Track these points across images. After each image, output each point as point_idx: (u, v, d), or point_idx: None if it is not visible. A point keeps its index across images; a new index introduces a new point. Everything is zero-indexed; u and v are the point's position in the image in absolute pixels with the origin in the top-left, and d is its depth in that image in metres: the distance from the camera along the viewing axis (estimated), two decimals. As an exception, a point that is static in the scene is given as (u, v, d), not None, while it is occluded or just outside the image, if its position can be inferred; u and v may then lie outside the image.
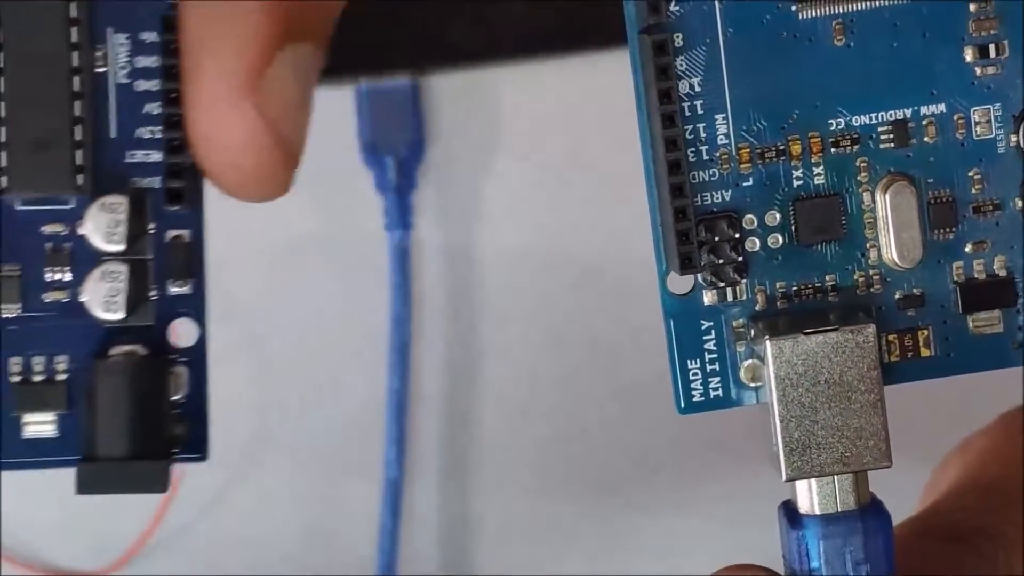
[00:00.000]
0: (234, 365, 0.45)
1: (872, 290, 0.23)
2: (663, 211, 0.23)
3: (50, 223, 0.23)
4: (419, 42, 0.43)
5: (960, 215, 0.23)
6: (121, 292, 0.23)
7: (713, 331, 0.23)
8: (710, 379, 0.24)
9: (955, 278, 0.23)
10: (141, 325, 0.24)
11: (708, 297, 0.23)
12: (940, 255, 0.23)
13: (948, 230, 0.23)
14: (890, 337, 0.23)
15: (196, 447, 0.25)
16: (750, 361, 0.23)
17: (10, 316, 0.23)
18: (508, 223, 0.46)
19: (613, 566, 0.45)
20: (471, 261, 0.45)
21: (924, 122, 0.23)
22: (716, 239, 0.23)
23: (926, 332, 0.23)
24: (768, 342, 0.22)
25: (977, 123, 0.23)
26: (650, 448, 0.44)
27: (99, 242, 0.23)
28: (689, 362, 0.24)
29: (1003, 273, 0.23)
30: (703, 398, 0.24)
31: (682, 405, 0.24)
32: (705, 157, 0.23)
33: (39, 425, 0.23)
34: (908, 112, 0.23)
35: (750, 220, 0.23)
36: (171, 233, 0.24)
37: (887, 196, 0.23)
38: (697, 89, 0.23)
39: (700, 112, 0.23)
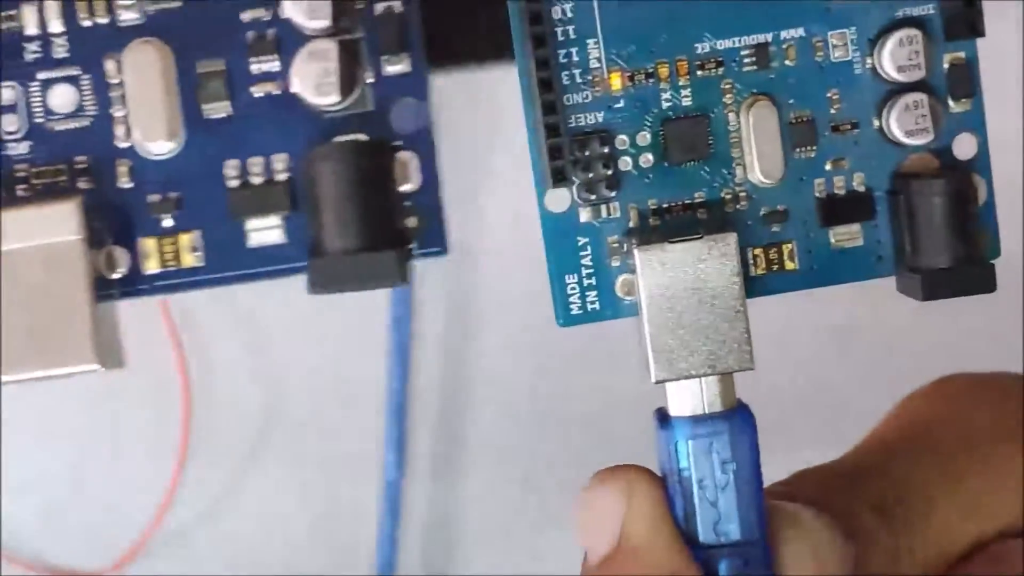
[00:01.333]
0: (234, 366, 0.45)
1: (738, 206, 0.25)
2: (537, 130, 0.24)
3: (249, 9, 0.22)
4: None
5: (820, 134, 0.25)
6: (332, 72, 0.21)
7: (589, 247, 0.25)
8: (587, 293, 0.25)
9: (816, 194, 0.25)
10: (360, 112, 0.22)
11: (584, 215, 0.25)
12: (802, 172, 0.25)
13: (809, 148, 0.24)
14: (756, 251, 0.25)
15: (434, 240, 0.23)
16: (624, 276, 0.25)
17: (218, 116, 0.22)
18: (508, 223, 0.46)
19: None
20: (471, 261, 0.45)
21: (784, 45, 0.24)
22: (588, 155, 0.24)
23: (790, 246, 0.25)
24: (636, 250, 0.23)
25: (835, 46, 0.24)
26: (650, 448, 0.45)
27: (302, 19, 0.21)
28: (567, 277, 0.25)
29: (862, 189, 0.25)
30: (581, 311, 0.25)
31: (561, 319, 0.25)
32: (578, 80, 0.24)
33: (264, 231, 0.22)
34: (769, 36, 0.24)
35: (622, 140, 0.24)
36: (381, 5, 0.22)
37: (750, 116, 0.24)
38: (569, 15, 0.24)
39: (572, 37, 0.24)
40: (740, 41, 0.24)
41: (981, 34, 0.24)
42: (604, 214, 0.25)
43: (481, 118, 0.45)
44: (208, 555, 0.45)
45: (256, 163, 0.22)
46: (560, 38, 0.24)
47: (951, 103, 0.24)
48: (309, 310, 0.44)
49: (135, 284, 0.23)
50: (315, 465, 0.45)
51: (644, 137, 0.24)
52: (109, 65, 0.21)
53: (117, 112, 0.22)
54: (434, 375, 0.45)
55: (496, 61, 0.44)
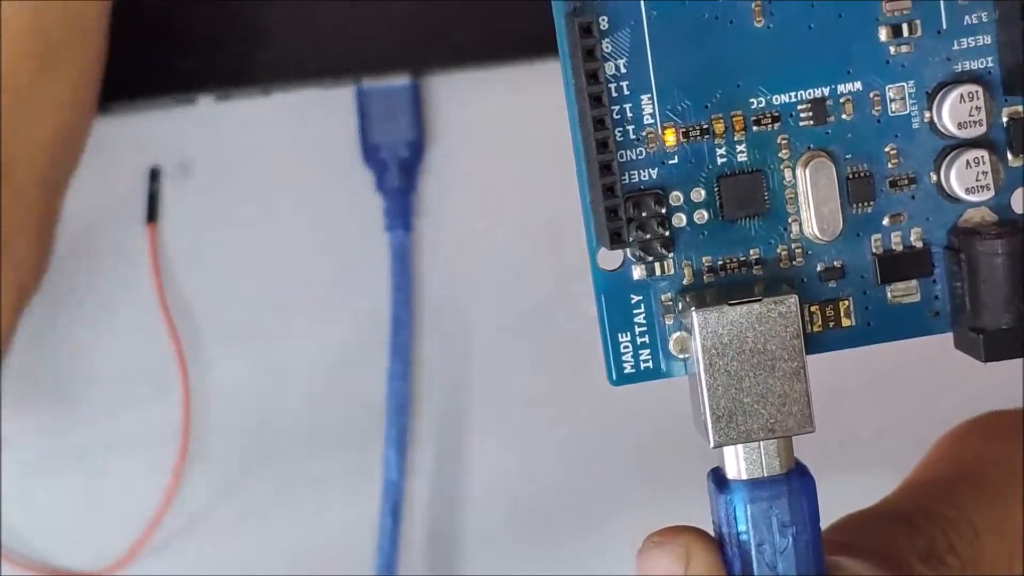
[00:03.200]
0: (235, 366, 0.45)
1: (794, 263, 0.24)
2: (592, 189, 0.23)
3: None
4: (419, 42, 0.43)
5: (878, 189, 0.24)
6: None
7: (643, 305, 0.24)
8: (640, 351, 0.24)
9: (874, 250, 0.24)
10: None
11: (637, 272, 0.24)
12: (859, 228, 0.24)
13: (866, 204, 0.24)
14: (812, 308, 0.24)
15: None
16: (678, 334, 0.24)
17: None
18: (508, 223, 0.45)
19: (621, 567, 0.45)
20: (471, 261, 0.45)
21: (841, 100, 0.24)
22: (644, 215, 0.24)
23: (847, 303, 0.24)
24: (695, 313, 0.23)
25: (892, 100, 0.24)
26: (651, 447, 0.44)
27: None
28: (620, 335, 0.24)
29: (919, 245, 0.24)
30: (634, 370, 0.24)
31: (614, 377, 0.25)
32: (632, 136, 0.24)
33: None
34: (826, 91, 0.24)
35: (676, 197, 0.24)
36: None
37: (807, 171, 0.24)
38: (623, 71, 0.24)
39: (626, 93, 0.24)
40: (797, 96, 0.24)
41: (1041, 91, 0.23)
42: (658, 272, 0.24)
43: (481, 118, 0.45)
44: (208, 555, 0.45)
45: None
46: (614, 94, 0.24)
47: (1010, 158, 0.24)
48: (310, 311, 0.45)
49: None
50: (315, 464, 0.45)
51: (699, 193, 0.24)
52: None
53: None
54: (434, 374, 0.45)
55: (496, 61, 0.44)
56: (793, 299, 0.23)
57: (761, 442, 0.23)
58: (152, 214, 0.45)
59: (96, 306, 0.45)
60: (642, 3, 0.23)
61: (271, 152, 0.45)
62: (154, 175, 0.45)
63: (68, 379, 0.45)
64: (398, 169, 0.45)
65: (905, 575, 0.26)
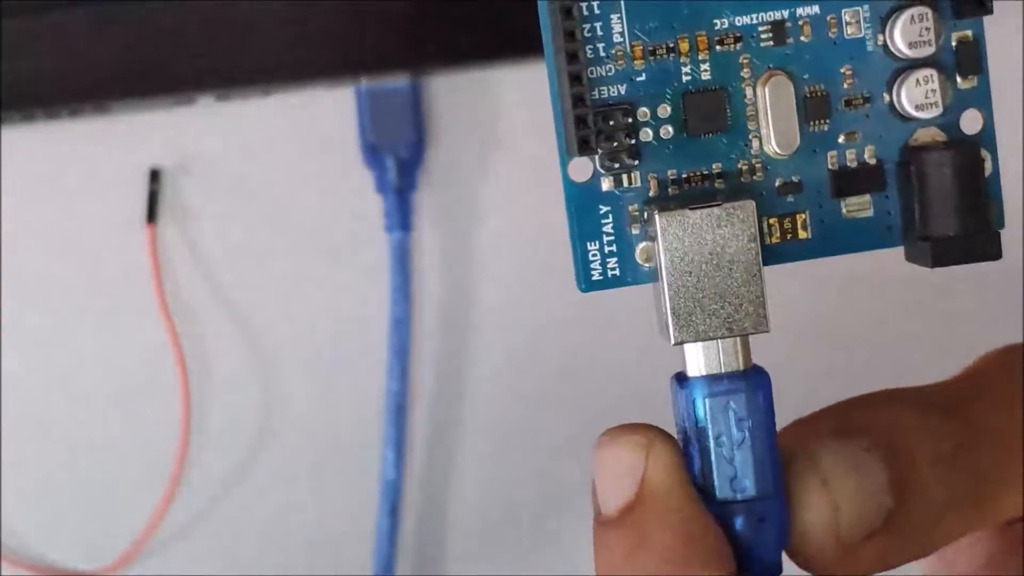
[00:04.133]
0: (234, 366, 0.45)
1: (755, 177, 0.26)
2: (563, 101, 0.25)
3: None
4: (419, 42, 0.43)
5: (833, 108, 0.26)
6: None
7: (611, 215, 0.26)
8: (608, 260, 0.26)
9: (829, 166, 0.26)
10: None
11: (606, 184, 0.26)
12: (816, 145, 0.26)
13: (823, 121, 0.25)
14: (771, 220, 0.26)
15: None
16: (644, 243, 0.26)
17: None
18: (508, 223, 0.46)
19: None
20: (471, 261, 0.45)
21: (800, 22, 0.25)
22: (612, 125, 0.25)
23: (803, 216, 0.26)
24: (658, 216, 0.24)
25: (848, 23, 0.25)
26: None
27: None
28: (589, 244, 0.26)
29: (873, 161, 0.26)
30: (602, 277, 0.26)
31: (583, 284, 0.26)
32: (602, 54, 0.25)
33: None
34: (785, 13, 0.25)
35: (643, 112, 0.25)
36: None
37: (767, 90, 0.25)
38: (596, 4, 0.25)
39: (596, 12, 0.25)
40: (758, 17, 0.25)
41: (989, 11, 0.25)
42: (625, 183, 0.26)
43: (481, 118, 0.45)
44: (208, 555, 0.45)
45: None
46: (585, 12, 0.25)
47: (959, 80, 0.25)
48: (310, 310, 0.45)
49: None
50: (315, 465, 0.45)
51: (665, 109, 0.25)
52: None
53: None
54: (433, 375, 0.45)
55: (496, 61, 0.44)
56: (751, 204, 0.24)
57: (719, 340, 0.25)
58: (152, 214, 0.44)
59: (96, 306, 0.45)
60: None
61: (271, 152, 0.45)
62: (154, 175, 0.45)
63: (68, 379, 0.45)
64: (398, 169, 0.44)
65: (902, 474, 0.25)
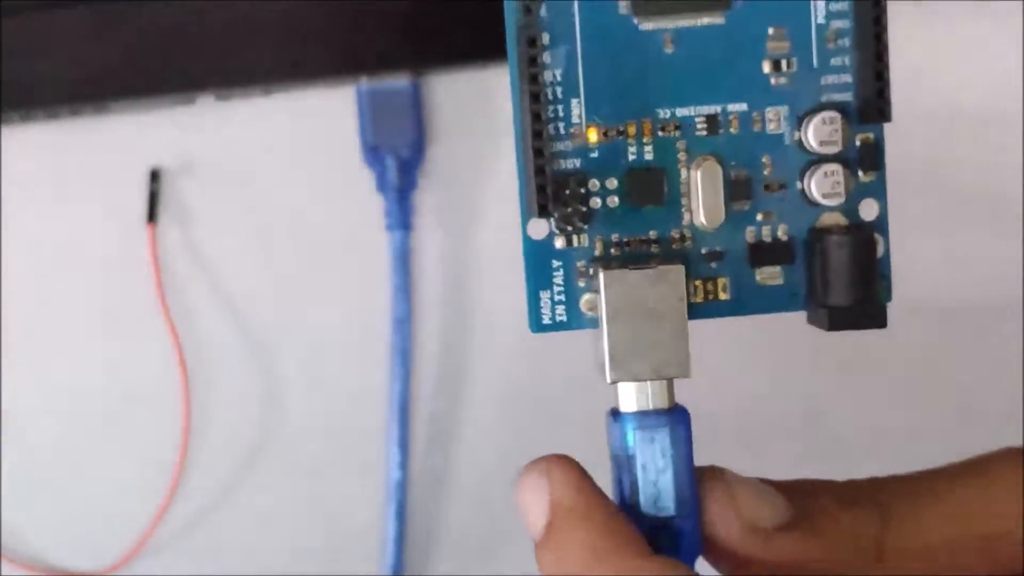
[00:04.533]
0: (235, 366, 0.45)
1: (685, 245, 0.30)
2: (527, 169, 0.29)
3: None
4: (419, 42, 0.43)
5: (754, 191, 0.30)
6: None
7: (561, 270, 0.30)
8: (556, 307, 0.30)
9: (748, 239, 0.30)
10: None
11: (559, 242, 0.30)
12: (737, 221, 0.30)
13: (744, 202, 0.30)
14: (696, 282, 0.30)
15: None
16: (588, 295, 0.30)
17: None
18: (508, 223, 0.42)
19: None
20: (471, 261, 0.45)
21: (730, 117, 0.30)
22: (567, 194, 0.29)
23: (724, 280, 0.30)
24: (602, 273, 0.29)
25: (770, 120, 0.30)
26: None
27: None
28: (541, 293, 0.30)
29: (785, 238, 0.30)
30: (551, 321, 0.30)
31: (533, 327, 0.30)
32: (562, 132, 0.30)
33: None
34: (719, 109, 0.30)
35: (594, 184, 0.30)
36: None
37: (699, 172, 0.30)
38: (558, 78, 0.29)
39: (560, 96, 0.29)
40: (695, 111, 0.30)
41: (888, 119, 0.29)
42: (575, 243, 0.30)
43: (481, 118, 0.45)
44: (208, 555, 0.45)
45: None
46: (550, 96, 0.29)
47: (860, 174, 0.30)
48: (310, 311, 0.45)
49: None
50: (316, 465, 0.45)
51: (612, 182, 0.30)
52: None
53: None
54: (435, 375, 0.45)
55: (496, 61, 0.44)
56: (680, 268, 0.29)
57: (648, 382, 0.29)
58: (152, 214, 0.44)
59: (96, 306, 0.45)
60: (577, 26, 0.29)
61: (271, 152, 0.45)
62: (154, 175, 0.44)
63: (68, 378, 0.45)
64: (398, 169, 0.44)
65: (809, 503, 0.29)
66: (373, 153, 0.44)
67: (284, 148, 0.45)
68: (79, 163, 0.44)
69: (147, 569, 0.45)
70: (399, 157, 0.44)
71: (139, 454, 0.45)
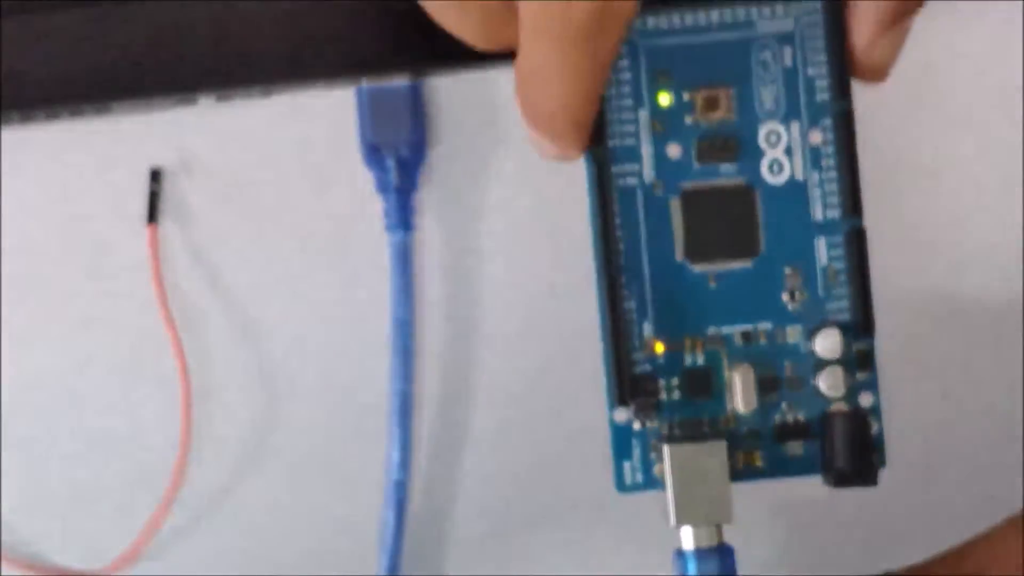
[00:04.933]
0: (235, 366, 0.45)
1: (728, 426, 0.41)
2: (611, 376, 0.41)
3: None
4: (419, 42, 0.41)
5: (781, 387, 0.41)
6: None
7: (639, 446, 0.41)
8: (636, 473, 0.41)
9: (776, 422, 0.41)
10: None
11: (636, 426, 0.41)
12: (767, 409, 0.41)
13: (773, 394, 0.41)
14: (739, 454, 0.41)
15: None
16: (659, 465, 0.41)
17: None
18: (509, 223, 0.46)
19: (622, 563, 0.47)
20: (472, 261, 0.45)
21: (759, 332, 0.41)
22: (643, 391, 0.41)
23: (758, 452, 0.41)
24: (666, 446, 0.40)
25: (789, 335, 0.41)
26: None
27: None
28: (624, 463, 0.41)
29: (803, 421, 0.41)
30: (632, 484, 0.41)
31: (619, 487, 0.41)
32: (636, 345, 0.41)
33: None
34: (751, 327, 0.41)
35: (661, 383, 0.41)
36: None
37: (737, 374, 0.41)
38: (634, 306, 0.41)
39: (635, 319, 0.41)
40: (733, 329, 0.41)
41: (871, 335, 0.40)
42: (648, 426, 0.41)
43: (481, 118, 0.45)
44: (208, 555, 0.44)
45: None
46: (626, 319, 0.41)
47: (858, 373, 0.41)
48: (310, 311, 0.45)
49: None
50: (316, 464, 0.45)
51: (674, 381, 0.41)
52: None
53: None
54: (436, 375, 0.45)
55: (496, 61, 0.42)
56: (722, 443, 0.40)
57: (703, 526, 0.40)
58: (152, 214, 0.44)
59: (96, 306, 0.45)
60: (646, 269, 0.41)
61: (271, 152, 0.44)
62: (154, 175, 0.44)
63: (68, 378, 0.45)
64: (398, 169, 0.44)
65: None
66: (373, 153, 0.44)
67: (284, 148, 0.44)
68: (79, 163, 0.44)
69: (147, 569, 0.44)
70: (399, 157, 0.44)
71: (139, 454, 0.44)
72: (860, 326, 0.41)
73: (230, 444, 0.45)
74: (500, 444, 0.45)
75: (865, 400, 0.41)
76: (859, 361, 0.41)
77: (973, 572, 0.39)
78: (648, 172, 0.40)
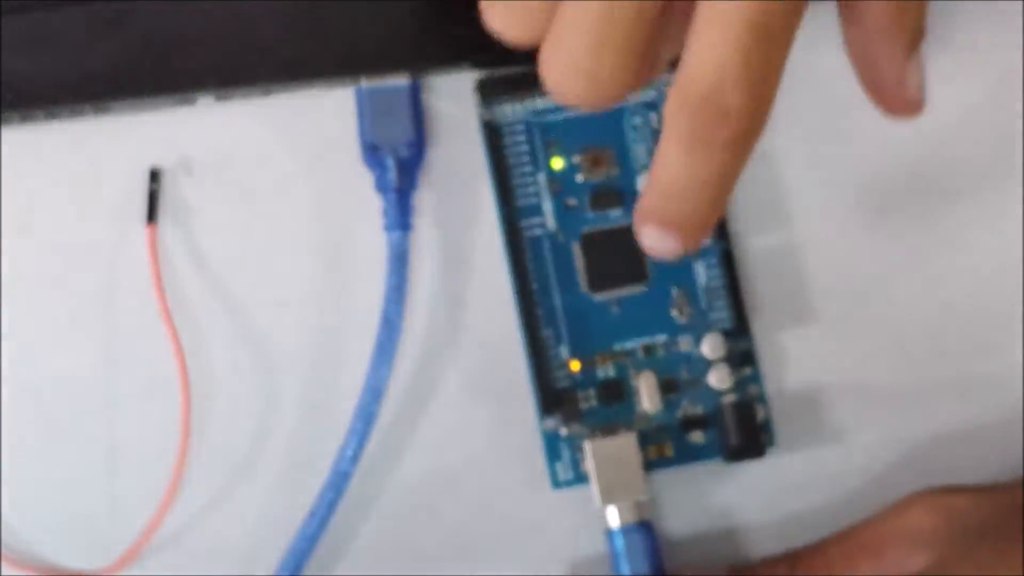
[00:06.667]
0: (234, 366, 0.45)
1: (640, 425, 0.49)
2: (537, 392, 0.49)
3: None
4: (419, 42, 0.42)
5: (680, 389, 0.49)
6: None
7: (567, 447, 0.49)
8: (567, 471, 0.49)
9: (679, 416, 0.49)
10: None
11: (563, 432, 0.49)
12: (671, 405, 0.49)
13: (674, 394, 0.49)
14: (651, 447, 0.49)
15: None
16: (583, 462, 0.49)
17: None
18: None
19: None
20: (471, 261, 0.46)
21: (657, 344, 0.50)
22: (565, 401, 0.49)
23: (668, 444, 0.49)
24: (586, 442, 0.48)
25: (681, 343, 0.50)
26: None
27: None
28: (556, 464, 0.49)
29: (701, 413, 0.49)
30: (564, 480, 0.49)
31: (553, 486, 0.49)
32: (557, 364, 0.49)
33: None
34: (650, 340, 0.50)
35: (580, 395, 0.49)
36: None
37: (642, 381, 0.49)
38: (552, 334, 0.49)
39: (553, 344, 0.49)
40: (635, 343, 0.50)
41: (749, 335, 0.49)
42: (572, 431, 0.49)
43: (481, 118, 0.45)
44: (208, 555, 0.44)
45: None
46: (548, 353, 0.49)
47: (741, 368, 0.49)
48: (310, 311, 0.45)
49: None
50: (316, 464, 0.44)
51: (590, 393, 0.49)
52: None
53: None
54: (433, 374, 0.46)
55: (496, 61, 0.44)
56: (632, 435, 0.48)
57: (623, 504, 0.48)
58: (152, 214, 0.43)
59: (96, 306, 0.44)
60: (558, 304, 0.50)
61: (271, 152, 0.44)
62: (154, 175, 0.44)
63: (67, 379, 0.44)
64: (398, 169, 0.44)
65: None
66: (373, 153, 0.44)
67: (284, 148, 0.44)
68: (78, 163, 0.44)
69: (147, 569, 0.43)
70: (398, 157, 0.44)
71: (139, 454, 0.44)
72: (737, 329, 0.49)
73: (230, 443, 0.44)
74: (494, 443, 0.46)
75: (751, 391, 0.49)
76: (741, 358, 0.50)
77: (869, 546, 0.46)
78: (551, 222, 0.49)
